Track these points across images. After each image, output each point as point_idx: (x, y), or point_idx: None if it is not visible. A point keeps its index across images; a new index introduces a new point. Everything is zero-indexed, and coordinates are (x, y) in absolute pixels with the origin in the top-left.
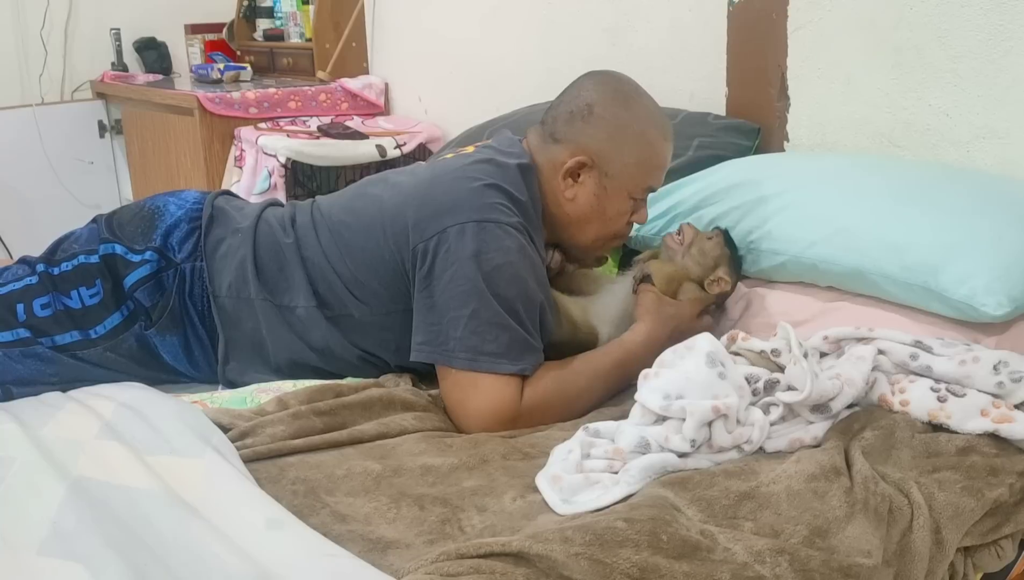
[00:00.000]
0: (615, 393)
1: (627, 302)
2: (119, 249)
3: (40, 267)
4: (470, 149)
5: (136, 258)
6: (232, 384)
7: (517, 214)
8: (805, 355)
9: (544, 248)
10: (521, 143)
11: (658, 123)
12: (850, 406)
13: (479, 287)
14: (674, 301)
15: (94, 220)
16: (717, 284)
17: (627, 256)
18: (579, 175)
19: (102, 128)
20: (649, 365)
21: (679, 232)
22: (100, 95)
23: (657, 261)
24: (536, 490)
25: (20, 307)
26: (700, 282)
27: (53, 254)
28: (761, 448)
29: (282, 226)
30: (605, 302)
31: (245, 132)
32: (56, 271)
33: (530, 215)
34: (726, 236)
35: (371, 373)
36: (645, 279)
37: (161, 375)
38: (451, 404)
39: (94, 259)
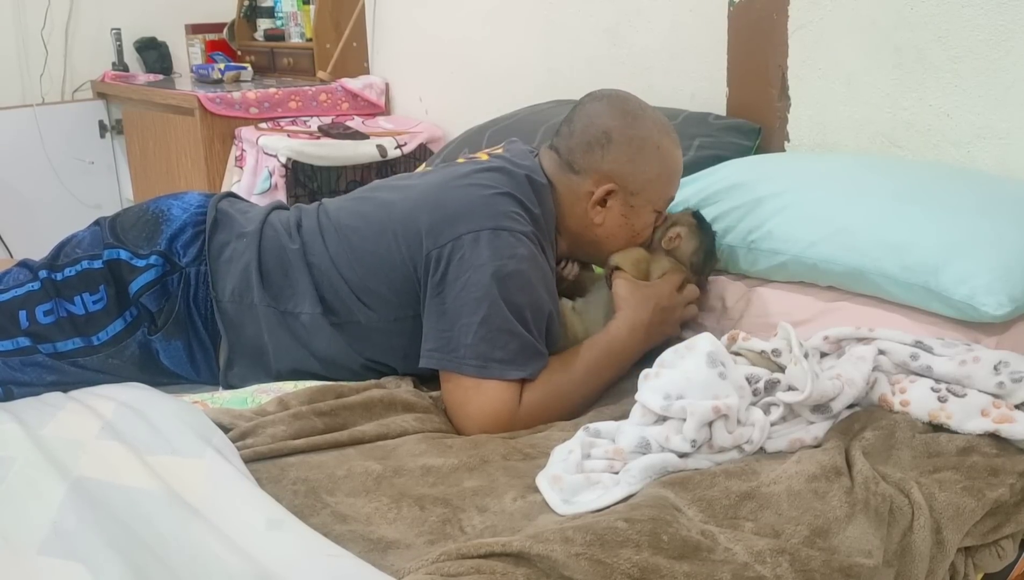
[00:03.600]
0: (610, 385)
1: (608, 301)
2: (124, 254)
3: (43, 273)
4: (483, 156)
5: (141, 263)
6: (233, 390)
7: (529, 224)
8: (805, 355)
9: (555, 261)
10: (534, 157)
11: (669, 133)
12: (850, 406)
13: (491, 294)
14: (647, 282)
15: (96, 223)
16: (673, 240)
17: None
18: (606, 201)
19: (103, 128)
20: (638, 351)
21: None
22: (101, 95)
23: (620, 250)
24: (536, 490)
25: (23, 314)
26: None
27: (55, 259)
28: (762, 448)
29: (287, 231)
30: (593, 305)
31: (246, 132)
32: (59, 277)
33: (541, 226)
34: (695, 214)
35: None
36: (615, 270)
37: (162, 379)
38: (451, 406)
39: (98, 264)
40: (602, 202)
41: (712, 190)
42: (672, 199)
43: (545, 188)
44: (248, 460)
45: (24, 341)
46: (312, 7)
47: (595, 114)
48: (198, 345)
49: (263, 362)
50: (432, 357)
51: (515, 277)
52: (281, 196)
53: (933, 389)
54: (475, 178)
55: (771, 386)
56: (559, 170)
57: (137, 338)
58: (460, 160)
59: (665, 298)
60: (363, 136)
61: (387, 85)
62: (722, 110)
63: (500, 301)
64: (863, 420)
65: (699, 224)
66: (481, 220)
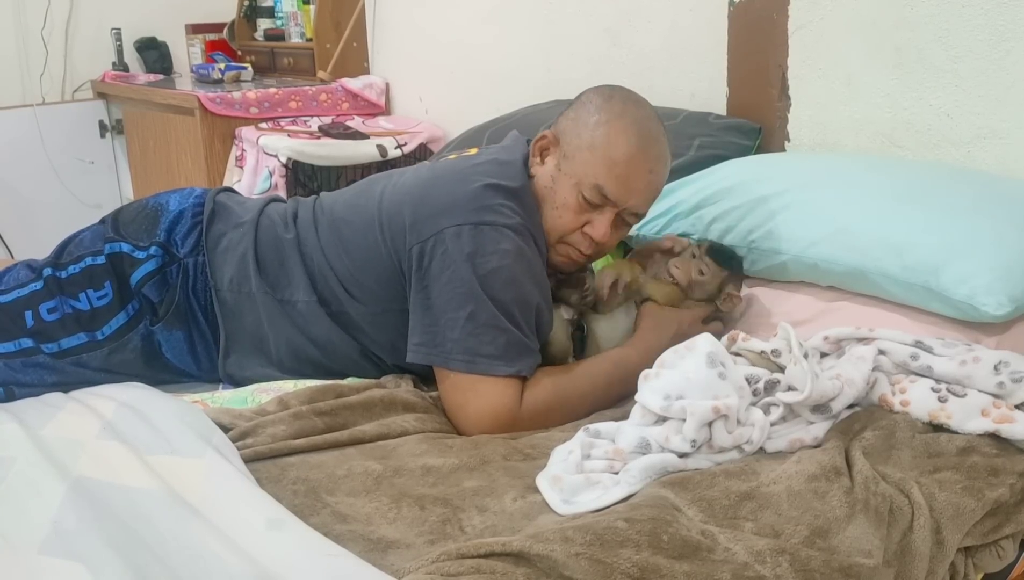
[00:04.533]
0: (615, 400)
1: (627, 330)
2: (125, 247)
3: (46, 272)
4: (473, 151)
5: (142, 255)
6: (232, 378)
7: (517, 214)
8: (805, 355)
9: (546, 245)
10: (527, 144)
11: (638, 131)
12: (850, 406)
13: (475, 289)
14: (674, 309)
15: (101, 221)
16: (729, 301)
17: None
18: (548, 152)
19: (103, 128)
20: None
21: (671, 277)
22: (101, 95)
23: (653, 282)
24: (537, 490)
25: (28, 314)
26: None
27: (59, 258)
28: (761, 448)
29: (283, 222)
30: (605, 332)
31: (246, 132)
32: (64, 274)
33: (531, 212)
34: (714, 252)
35: (372, 370)
36: (646, 301)
37: (163, 375)
38: (451, 407)
39: (100, 260)
40: (542, 154)
41: (712, 190)
42: (599, 189)
43: (528, 179)
44: (248, 460)
45: (27, 342)
46: (312, 7)
47: (588, 90)
48: (199, 336)
49: (263, 349)
50: (419, 351)
51: (498, 273)
52: (282, 196)
53: (933, 389)
54: (462, 173)
55: (771, 386)
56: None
57: (140, 331)
58: (452, 156)
59: (686, 326)
60: (363, 136)
61: (387, 85)
62: (722, 110)
63: (485, 297)
64: (863, 420)
65: (731, 270)
66: (463, 214)
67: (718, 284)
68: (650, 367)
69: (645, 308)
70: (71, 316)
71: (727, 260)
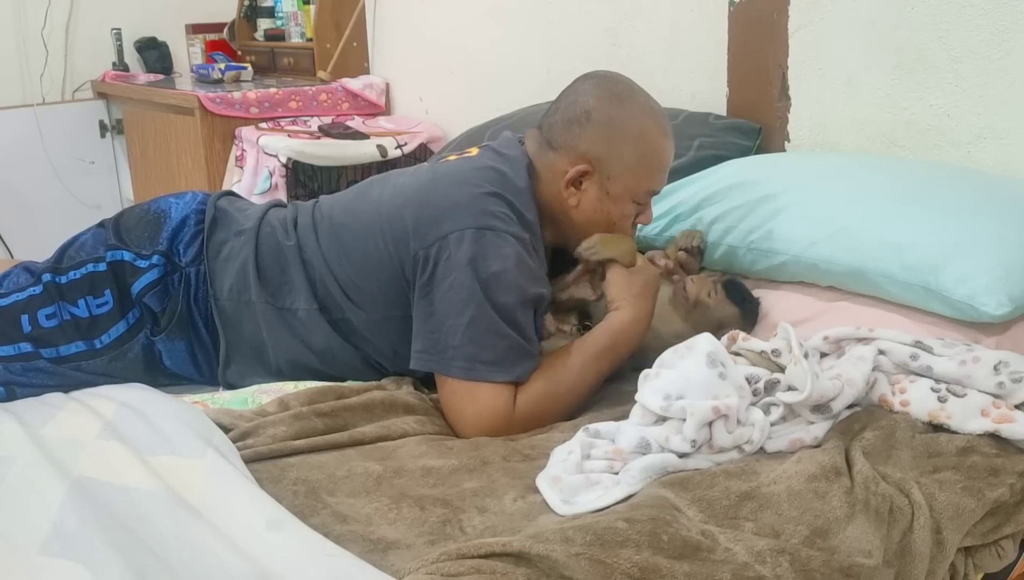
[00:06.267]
0: (607, 377)
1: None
2: (127, 255)
3: (46, 277)
4: (473, 151)
5: (144, 264)
6: (232, 387)
7: (516, 223)
8: (805, 355)
9: (545, 255)
10: (521, 146)
11: (656, 120)
12: (850, 406)
13: (476, 295)
14: (636, 267)
15: (101, 224)
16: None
17: None
18: (581, 182)
19: (103, 128)
20: (639, 341)
21: (684, 290)
22: (101, 95)
23: (600, 239)
24: (537, 491)
25: (25, 318)
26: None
27: (59, 262)
28: (761, 448)
29: (284, 228)
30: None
31: (246, 132)
32: (64, 280)
33: (529, 224)
34: (727, 284)
35: (372, 377)
36: (602, 264)
37: (163, 381)
38: (448, 412)
39: (102, 267)
40: (576, 184)
41: (712, 190)
42: (654, 192)
43: (528, 189)
44: (248, 460)
45: (26, 346)
46: (312, 7)
47: (581, 92)
48: (199, 345)
49: (262, 359)
50: (420, 358)
51: (500, 277)
52: (281, 196)
53: (933, 389)
54: (463, 175)
55: (771, 386)
56: (540, 149)
57: (140, 340)
58: (451, 157)
59: (652, 279)
60: (363, 136)
61: (387, 85)
62: (722, 110)
63: (486, 302)
64: (863, 420)
65: (740, 310)
66: (466, 219)
67: (720, 317)
68: (639, 336)
69: (611, 278)
70: (70, 323)
71: (737, 297)
